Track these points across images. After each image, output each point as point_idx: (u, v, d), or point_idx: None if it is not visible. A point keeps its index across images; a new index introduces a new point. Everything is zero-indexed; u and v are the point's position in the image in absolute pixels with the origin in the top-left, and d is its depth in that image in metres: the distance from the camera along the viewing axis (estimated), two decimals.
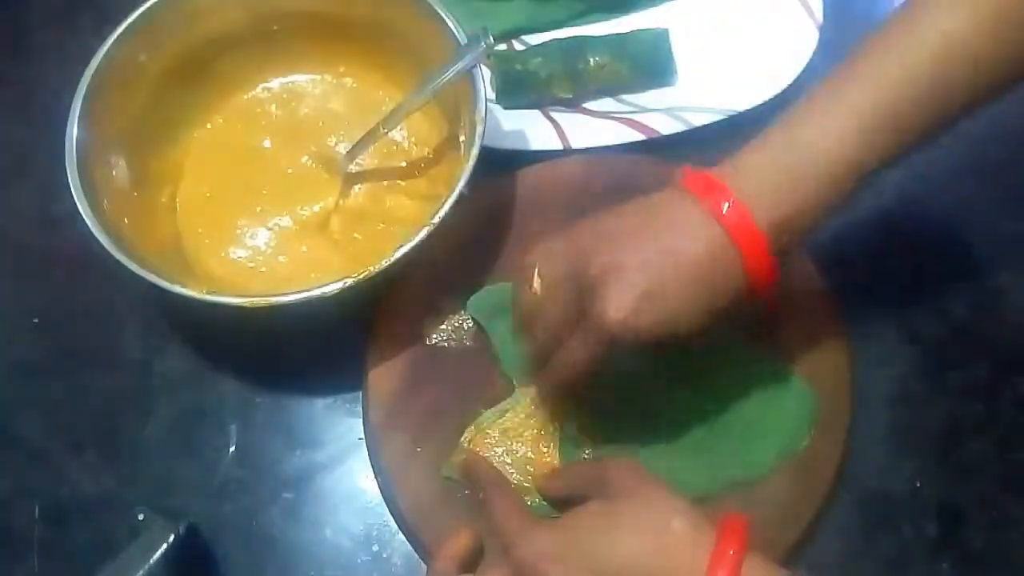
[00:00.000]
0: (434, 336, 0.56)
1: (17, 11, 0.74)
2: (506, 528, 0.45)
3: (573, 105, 0.66)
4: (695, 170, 0.45)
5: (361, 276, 0.50)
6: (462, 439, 0.53)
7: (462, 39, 0.56)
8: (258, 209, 0.61)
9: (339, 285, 0.49)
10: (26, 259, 0.63)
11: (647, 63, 0.65)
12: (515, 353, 0.54)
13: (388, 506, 0.53)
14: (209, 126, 0.64)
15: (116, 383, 0.58)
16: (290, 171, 0.63)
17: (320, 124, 0.64)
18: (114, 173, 0.57)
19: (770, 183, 0.44)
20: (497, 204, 0.60)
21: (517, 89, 0.65)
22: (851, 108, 0.43)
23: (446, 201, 0.51)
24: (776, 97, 0.62)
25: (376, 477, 0.54)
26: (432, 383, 0.55)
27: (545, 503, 0.51)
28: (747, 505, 0.48)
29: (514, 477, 0.51)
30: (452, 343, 0.56)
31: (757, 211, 0.43)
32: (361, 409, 0.55)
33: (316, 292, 0.49)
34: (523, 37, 0.69)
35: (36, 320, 0.61)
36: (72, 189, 0.53)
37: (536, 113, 0.65)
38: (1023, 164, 0.62)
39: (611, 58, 0.64)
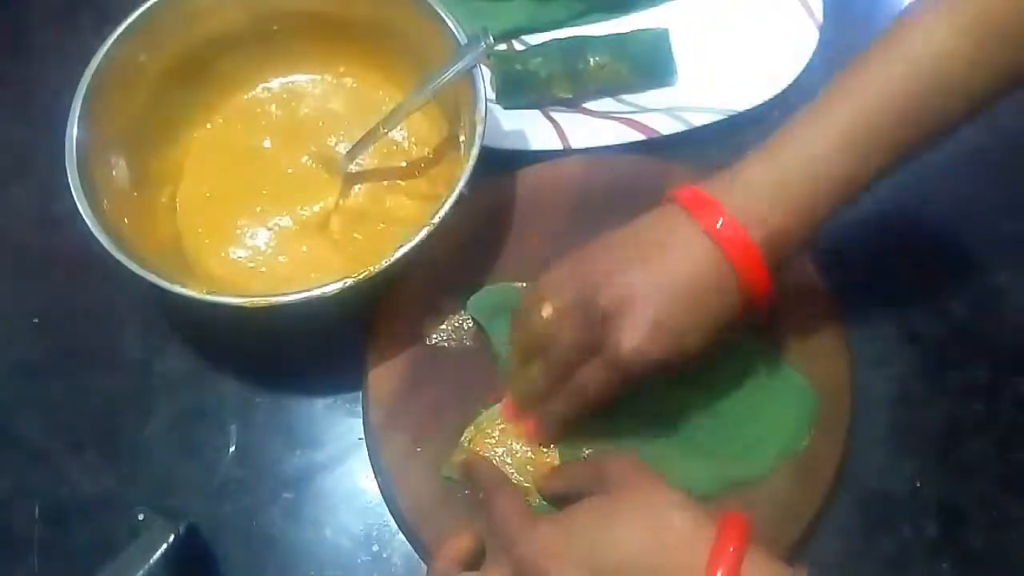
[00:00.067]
0: (434, 336, 0.56)
1: (17, 11, 0.74)
2: (506, 526, 0.45)
3: (573, 105, 0.66)
4: (689, 187, 0.47)
5: (361, 276, 0.50)
6: (462, 439, 0.53)
7: (462, 39, 0.56)
8: (258, 209, 0.61)
9: (339, 285, 0.49)
10: (26, 259, 0.63)
11: (647, 63, 0.65)
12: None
13: (388, 506, 0.53)
14: (209, 126, 0.64)
15: (116, 383, 0.58)
16: (290, 171, 0.63)
17: (320, 124, 0.64)
18: (114, 173, 0.57)
19: (763, 199, 0.45)
20: (497, 204, 0.60)
21: (517, 89, 0.65)
22: (839, 125, 0.45)
23: (446, 201, 0.51)
24: (776, 97, 0.62)
25: (376, 477, 0.54)
26: (432, 383, 0.55)
27: (546, 503, 0.51)
28: (747, 505, 0.48)
29: (514, 477, 0.51)
30: (452, 343, 0.56)
31: (750, 226, 0.45)
32: (361, 409, 0.55)
33: (316, 292, 0.49)
34: (523, 37, 0.69)
35: (36, 320, 0.61)
36: (72, 189, 0.53)
37: (536, 113, 0.65)
38: (1023, 164, 0.62)
39: (611, 58, 0.64)
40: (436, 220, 0.51)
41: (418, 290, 0.56)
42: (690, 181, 0.48)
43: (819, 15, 0.66)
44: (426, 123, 0.63)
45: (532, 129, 0.63)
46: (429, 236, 0.51)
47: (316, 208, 0.61)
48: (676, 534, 0.41)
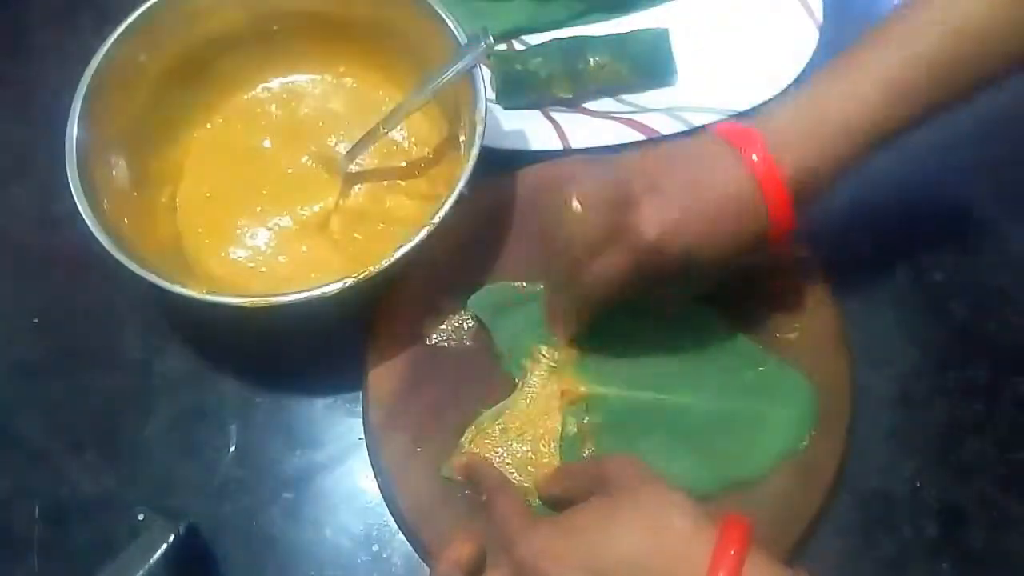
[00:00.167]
0: (434, 336, 0.56)
1: (17, 11, 0.74)
2: (506, 527, 0.45)
3: (573, 105, 0.66)
4: (731, 122, 0.49)
5: (361, 276, 0.50)
6: (462, 439, 0.53)
7: (462, 39, 0.56)
8: (258, 209, 0.61)
9: (339, 285, 0.49)
10: (26, 259, 0.63)
11: (647, 63, 0.65)
12: (516, 348, 0.54)
13: (388, 506, 0.53)
14: (209, 126, 0.64)
15: (116, 383, 0.58)
16: (290, 171, 0.63)
17: (320, 124, 0.64)
18: (114, 173, 0.57)
19: (796, 138, 0.47)
20: (497, 204, 0.60)
21: (517, 89, 0.65)
22: (873, 74, 0.47)
23: (446, 201, 0.51)
24: (776, 97, 0.62)
25: (376, 477, 0.54)
26: (432, 383, 0.55)
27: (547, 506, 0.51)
28: (747, 505, 0.48)
29: (514, 477, 0.51)
30: (452, 343, 0.56)
31: (782, 162, 0.46)
32: (361, 409, 0.55)
33: (316, 292, 0.49)
34: (523, 37, 0.69)
35: (36, 320, 0.61)
36: (72, 189, 0.53)
37: (536, 113, 0.65)
38: (1023, 163, 0.62)
39: (611, 58, 0.64)
40: (436, 220, 0.51)
41: (418, 290, 0.56)
42: None
43: (819, 15, 0.66)
44: (426, 123, 0.63)
45: (532, 129, 0.63)
46: (429, 236, 0.51)
47: (316, 208, 0.61)
48: (677, 536, 0.41)
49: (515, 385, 0.54)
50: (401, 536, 0.52)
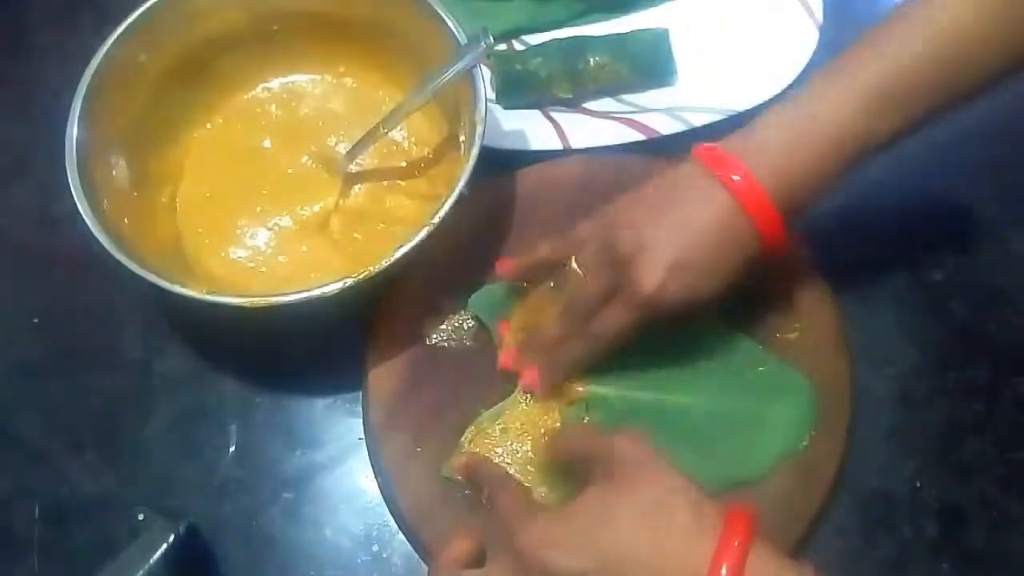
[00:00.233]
0: (434, 336, 0.56)
1: (17, 11, 0.74)
2: (508, 519, 0.45)
3: (573, 105, 0.66)
4: (707, 145, 0.49)
5: (361, 276, 0.50)
6: (462, 439, 0.53)
7: (462, 39, 0.56)
8: (258, 209, 0.61)
9: (339, 285, 0.49)
10: (26, 259, 0.63)
11: (647, 63, 0.65)
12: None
13: (388, 506, 0.53)
14: (209, 126, 0.64)
15: (116, 383, 0.58)
16: (290, 171, 0.63)
17: (320, 124, 0.64)
18: (114, 173, 0.57)
19: (779, 154, 0.47)
20: (497, 204, 0.60)
21: (517, 89, 0.65)
22: (857, 83, 0.46)
23: (446, 201, 0.51)
24: (776, 97, 0.62)
25: (376, 477, 0.54)
26: (432, 383, 0.55)
27: (549, 497, 0.50)
28: None
29: (515, 477, 0.51)
30: (452, 343, 0.56)
31: (766, 180, 0.46)
32: (361, 409, 0.55)
33: (316, 292, 0.49)
34: (523, 37, 0.69)
35: (36, 320, 0.61)
36: (72, 189, 0.53)
37: (536, 113, 0.65)
38: (1023, 164, 0.62)
39: (611, 58, 0.64)
40: (436, 220, 0.51)
41: (418, 290, 0.56)
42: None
43: (819, 15, 0.66)
44: (426, 123, 0.63)
45: (532, 129, 0.63)
46: (429, 236, 0.51)
47: (316, 208, 0.61)
48: (680, 527, 0.41)
49: (515, 385, 0.54)
50: (401, 536, 0.52)
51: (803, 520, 0.50)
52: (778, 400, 0.53)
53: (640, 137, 0.62)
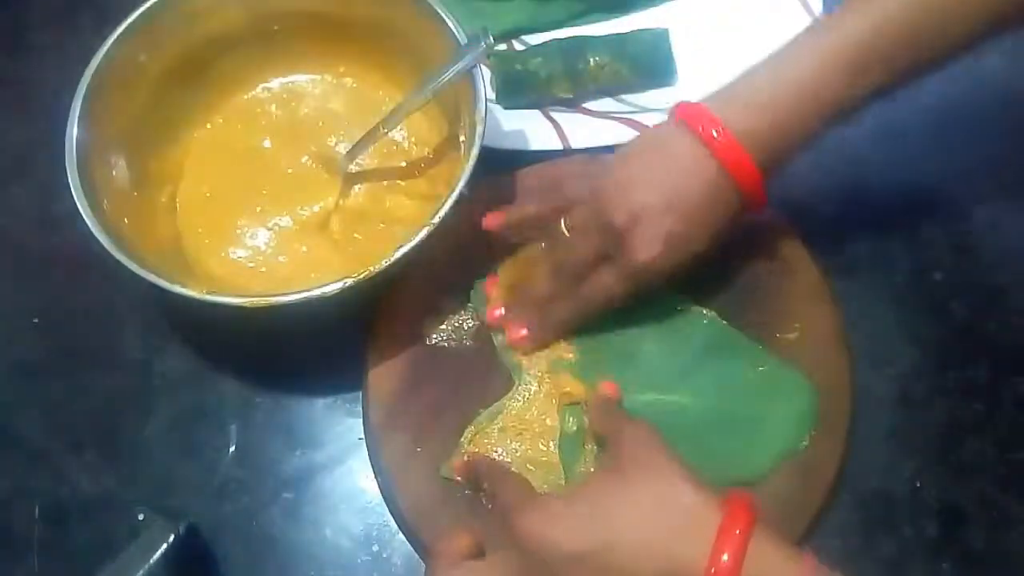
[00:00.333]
0: (434, 336, 0.56)
1: (17, 11, 0.74)
2: (509, 509, 0.45)
3: (573, 105, 0.66)
4: (688, 103, 0.50)
5: (361, 276, 0.50)
6: (462, 439, 0.53)
7: (462, 39, 0.56)
8: (258, 209, 0.61)
9: (339, 285, 0.49)
10: (26, 259, 0.63)
11: (647, 63, 0.65)
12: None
13: (388, 506, 0.53)
14: (209, 126, 0.64)
15: (116, 383, 0.58)
16: (290, 171, 0.63)
17: (320, 124, 0.64)
18: (114, 173, 0.57)
19: (757, 111, 0.48)
20: (497, 204, 0.60)
21: (517, 89, 0.65)
22: (836, 41, 0.47)
23: (446, 201, 0.51)
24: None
25: (376, 477, 0.54)
26: (432, 383, 0.55)
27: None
28: None
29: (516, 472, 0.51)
30: (452, 343, 0.56)
31: (744, 137, 0.48)
32: (361, 409, 0.55)
33: (316, 292, 0.49)
34: (523, 37, 0.69)
35: (36, 320, 0.61)
36: (72, 189, 0.53)
37: (536, 113, 0.65)
38: (1023, 163, 0.62)
39: (611, 58, 0.64)
40: (436, 220, 0.51)
41: (418, 290, 0.56)
42: None
43: (819, 15, 0.66)
44: (426, 123, 0.63)
45: (532, 129, 0.63)
46: (429, 236, 0.50)
47: (316, 208, 0.61)
48: (682, 515, 0.41)
49: (515, 382, 0.54)
50: (401, 536, 0.52)
51: (803, 520, 0.50)
52: (778, 400, 0.53)
53: None
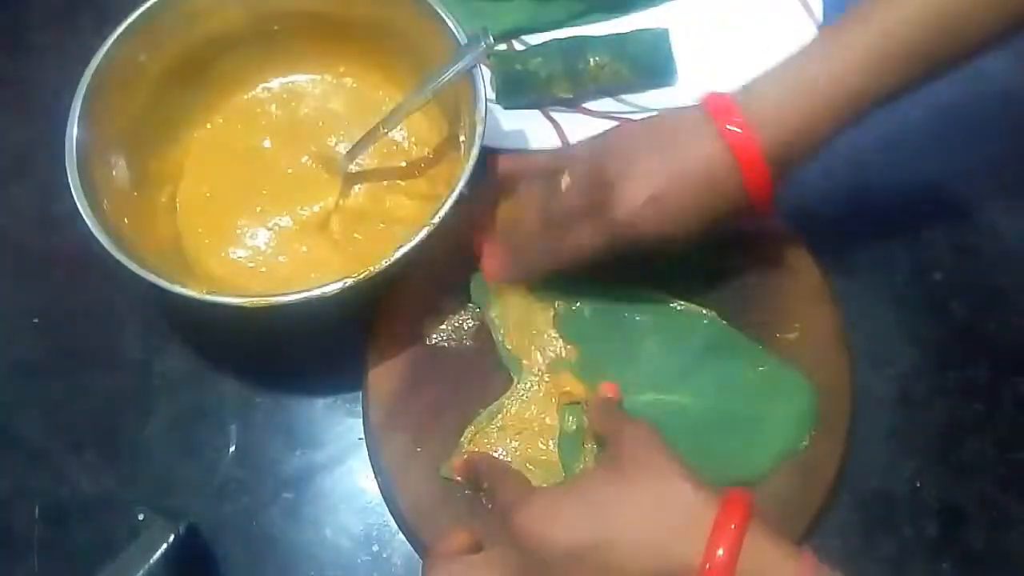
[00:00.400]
0: (434, 336, 0.56)
1: (17, 11, 0.74)
2: (508, 505, 0.45)
3: (573, 105, 0.66)
4: (716, 93, 0.50)
5: (361, 276, 0.50)
6: (462, 439, 0.53)
7: (462, 39, 0.56)
8: (258, 209, 0.61)
9: (339, 285, 0.49)
10: (26, 259, 0.63)
11: (647, 63, 0.65)
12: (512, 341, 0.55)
13: (388, 506, 0.53)
14: (209, 126, 0.64)
15: (116, 383, 0.58)
16: (290, 171, 0.63)
17: (320, 124, 0.64)
18: (114, 173, 0.57)
19: (776, 108, 0.48)
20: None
21: (517, 89, 0.65)
22: (853, 44, 0.47)
23: (446, 201, 0.51)
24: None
25: (376, 477, 0.54)
26: (432, 383, 0.55)
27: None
28: None
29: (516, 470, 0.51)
30: (452, 343, 0.56)
31: (761, 132, 0.47)
32: (361, 409, 0.55)
33: (316, 292, 0.49)
34: (523, 37, 0.69)
35: (36, 320, 0.61)
36: (72, 189, 0.53)
37: (536, 113, 0.65)
38: (1023, 163, 0.62)
39: (611, 58, 0.64)
40: (436, 220, 0.51)
41: (418, 290, 0.56)
42: None
43: (819, 15, 0.66)
44: (426, 123, 0.63)
45: (532, 129, 0.63)
46: (429, 236, 0.50)
47: (316, 208, 0.61)
48: (677, 510, 0.41)
49: (514, 381, 0.54)
50: (401, 536, 0.52)
51: (803, 520, 0.50)
52: (778, 400, 0.53)
53: None
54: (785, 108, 0.48)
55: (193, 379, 0.58)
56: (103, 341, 0.60)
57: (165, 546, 0.48)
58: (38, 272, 0.63)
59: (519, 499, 0.44)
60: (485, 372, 0.55)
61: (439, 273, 0.56)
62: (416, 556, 0.52)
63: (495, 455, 0.52)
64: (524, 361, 0.54)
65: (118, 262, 0.51)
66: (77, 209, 0.52)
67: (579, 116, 0.65)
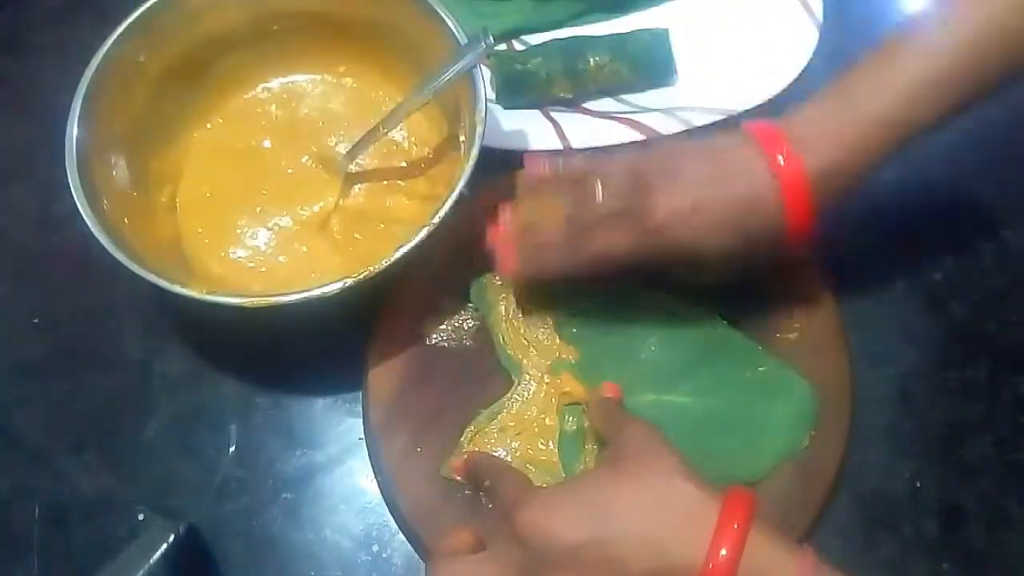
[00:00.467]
0: (434, 336, 0.56)
1: (17, 11, 0.74)
2: (509, 504, 0.45)
3: (573, 105, 0.66)
4: (762, 123, 0.49)
5: (361, 276, 0.50)
6: (462, 439, 0.53)
7: (462, 39, 0.56)
8: (258, 209, 0.61)
9: (339, 285, 0.49)
10: (26, 259, 0.63)
11: (647, 63, 0.65)
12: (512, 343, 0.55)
13: (388, 506, 0.53)
14: (209, 126, 0.64)
15: (116, 383, 0.58)
16: (290, 171, 0.63)
17: (320, 124, 0.64)
18: (114, 173, 0.57)
19: (824, 139, 0.47)
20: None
21: (517, 89, 0.65)
22: (900, 73, 0.47)
23: (446, 201, 0.51)
24: (776, 97, 0.62)
25: (376, 477, 0.54)
26: (432, 383, 0.55)
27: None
28: None
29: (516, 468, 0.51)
30: (452, 343, 0.56)
31: (807, 164, 0.46)
32: (361, 409, 0.55)
33: (316, 292, 0.49)
34: (523, 37, 0.69)
35: (36, 320, 0.61)
36: (72, 189, 0.53)
37: (536, 113, 0.65)
38: (1022, 163, 0.62)
39: (611, 58, 0.64)
40: (436, 220, 0.51)
41: (418, 290, 0.56)
42: None
43: (819, 15, 0.66)
44: (426, 123, 0.63)
45: (532, 129, 0.63)
46: (429, 236, 0.51)
47: (316, 208, 0.61)
48: (680, 510, 0.41)
49: (514, 381, 0.54)
50: (401, 536, 0.52)
51: (803, 520, 0.50)
52: (778, 400, 0.53)
53: (640, 137, 0.62)
54: (835, 140, 0.47)
55: (193, 379, 0.58)
56: (103, 341, 0.60)
57: (165, 546, 0.48)
58: (38, 272, 0.63)
59: (520, 497, 0.44)
60: (485, 372, 0.55)
61: (439, 273, 0.56)
62: (416, 556, 0.52)
63: (496, 455, 0.52)
64: (524, 361, 0.54)
65: (118, 262, 0.51)
66: (77, 209, 0.52)
67: (579, 116, 0.65)
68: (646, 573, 0.40)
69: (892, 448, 0.53)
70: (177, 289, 0.50)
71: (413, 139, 0.63)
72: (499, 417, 0.53)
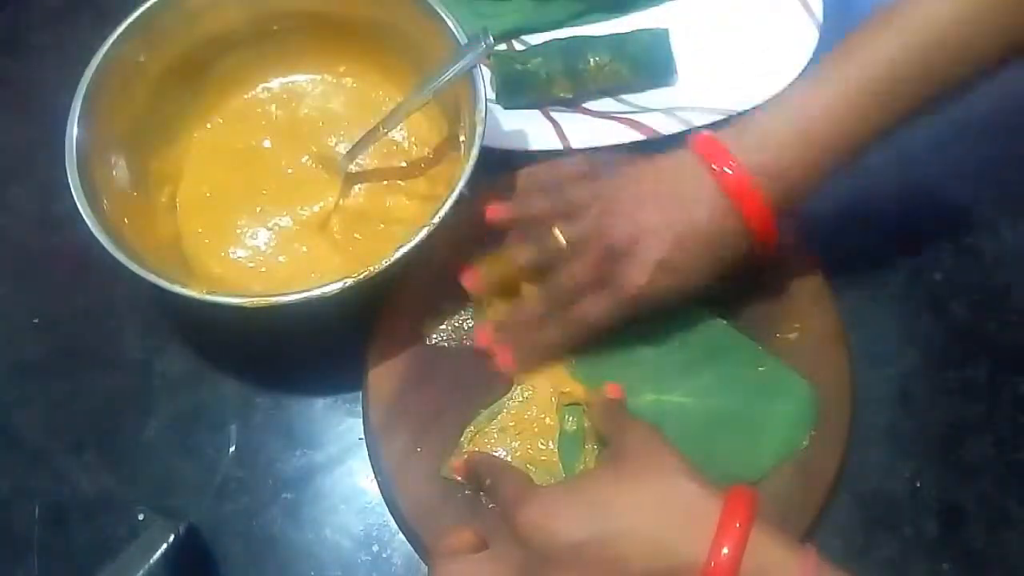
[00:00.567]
0: (434, 336, 0.56)
1: (17, 11, 0.74)
2: (510, 503, 0.45)
3: (573, 105, 0.66)
4: (705, 136, 0.50)
5: (361, 276, 0.50)
6: (462, 439, 0.53)
7: (462, 39, 0.56)
8: (258, 209, 0.61)
9: (339, 285, 0.49)
10: (26, 259, 0.63)
11: (647, 63, 0.65)
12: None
13: (388, 506, 0.53)
14: (209, 126, 0.64)
15: (116, 383, 0.58)
16: (290, 171, 0.63)
17: (320, 124, 0.64)
18: (114, 173, 0.57)
19: (770, 150, 0.48)
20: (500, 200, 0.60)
21: (517, 89, 0.65)
22: (841, 86, 0.48)
23: (446, 201, 0.51)
24: (776, 97, 0.62)
25: (376, 477, 0.54)
26: (432, 383, 0.55)
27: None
28: None
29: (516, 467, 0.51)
30: (452, 343, 0.56)
31: (757, 175, 0.47)
32: (361, 409, 0.55)
33: (316, 292, 0.49)
34: (523, 37, 0.69)
35: (36, 320, 0.61)
36: (72, 189, 0.53)
37: (536, 113, 0.65)
38: (1022, 163, 0.62)
39: (611, 58, 0.64)
40: (436, 220, 0.51)
41: (418, 290, 0.56)
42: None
43: (819, 15, 0.66)
44: (426, 123, 0.63)
45: (532, 129, 0.63)
46: (429, 236, 0.51)
47: (316, 208, 0.61)
48: (682, 508, 0.41)
49: (514, 382, 0.54)
50: (401, 536, 0.52)
51: (804, 520, 0.50)
52: (778, 400, 0.53)
53: (640, 137, 0.62)
54: (780, 148, 0.48)
55: (193, 379, 0.58)
56: (103, 341, 0.60)
57: (165, 546, 0.48)
58: (38, 272, 0.63)
59: (521, 497, 0.44)
60: (485, 372, 0.55)
61: (439, 273, 0.56)
62: (416, 556, 0.52)
63: (496, 455, 0.52)
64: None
65: (118, 262, 0.51)
66: (77, 209, 0.52)
67: (579, 116, 0.65)
68: (647, 572, 0.40)
69: (892, 448, 0.53)
70: (177, 289, 0.50)
71: (413, 139, 0.63)
72: (499, 417, 0.53)
